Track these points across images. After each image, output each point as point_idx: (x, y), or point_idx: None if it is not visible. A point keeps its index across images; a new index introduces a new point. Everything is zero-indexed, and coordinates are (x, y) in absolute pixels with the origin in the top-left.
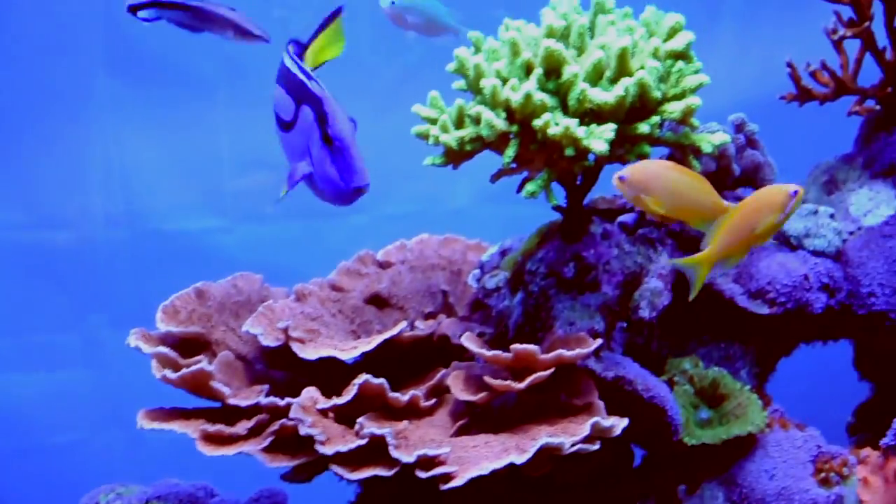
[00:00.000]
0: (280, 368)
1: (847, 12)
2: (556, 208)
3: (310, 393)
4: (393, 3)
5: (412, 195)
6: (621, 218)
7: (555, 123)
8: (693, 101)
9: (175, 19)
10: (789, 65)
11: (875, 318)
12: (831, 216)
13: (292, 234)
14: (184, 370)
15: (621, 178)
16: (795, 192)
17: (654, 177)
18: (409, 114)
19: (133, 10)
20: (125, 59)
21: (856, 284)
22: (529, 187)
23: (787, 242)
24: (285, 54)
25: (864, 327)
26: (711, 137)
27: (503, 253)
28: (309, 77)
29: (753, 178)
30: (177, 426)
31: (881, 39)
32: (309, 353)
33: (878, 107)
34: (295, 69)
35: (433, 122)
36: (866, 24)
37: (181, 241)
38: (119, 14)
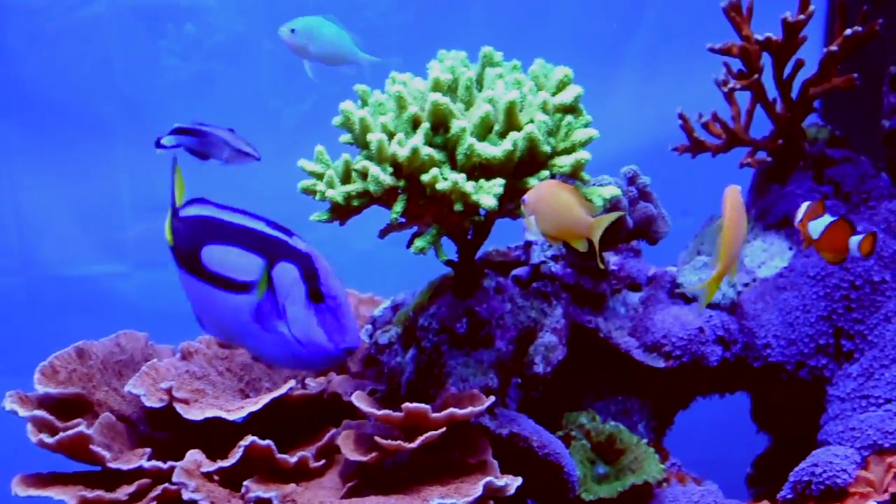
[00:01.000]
0: (165, 430)
1: (737, 64)
2: (448, 263)
3: (194, 456)
4: (293, 31)
5: (315, 238)
6: (515, 271)
7: (443, 178)
8: (582, 155)
9: (190, 145)
10: (681, 116)
11: (771, 370)
12: None
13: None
14: (61, 434)
15: (523, 201)
16: None
17: (541, 198)
18: (312, 156)
19: (159, 144)
20: (16, 102)
21: (751, 336)
22: (418, 243)
23: (682, 295)
24: (227, 213)
25: (760, 379)
26: (602, 191)
27: (395, 308)
28: (289, 233)
29: (647, 231)
30: (54, 492)
31: (771, 91)
32: (194, 414)
33: (769, 158)
34: (261, 226)
35: (319, 177)
36: (756, 76)
37: (79, 287)
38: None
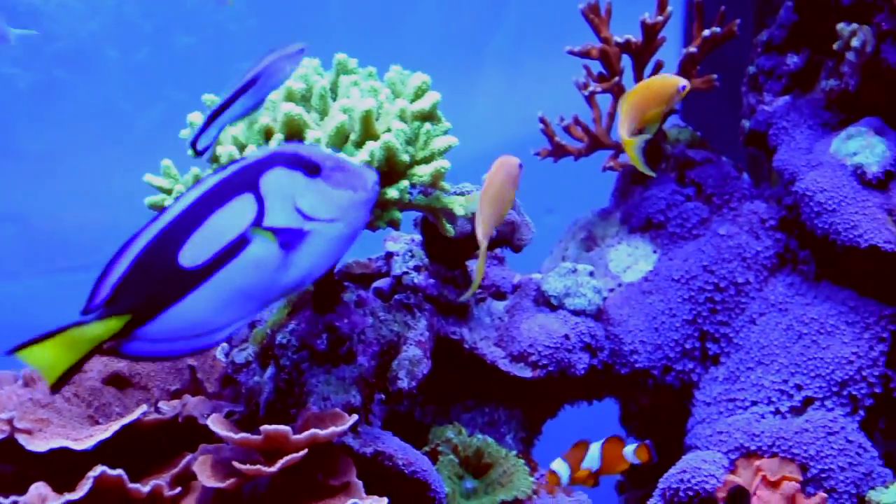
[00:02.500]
0: (8, 462)
1: (598, 66)
2: None
3: (38, 489)
4: None
5: None
6: (377, 283)
7: None
8: (442, 163)
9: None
10: (542, 120)
11: (639, 376)
12: (591, 274)
13: (45, 289)
14: None
15: None
16: (684, 87)
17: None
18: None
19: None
20: None
21: (618, 343)
22: None
23: (547, 303)
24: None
25: (628, 385)
26: (463, 199)
27: (252, 325)
28: (225, 166)
29: (510, 239)
30: None
31: None
32: (38, 445)
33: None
34: (202, 187)
35: (167, 192)
36: (616, 78)
37: None
38: None
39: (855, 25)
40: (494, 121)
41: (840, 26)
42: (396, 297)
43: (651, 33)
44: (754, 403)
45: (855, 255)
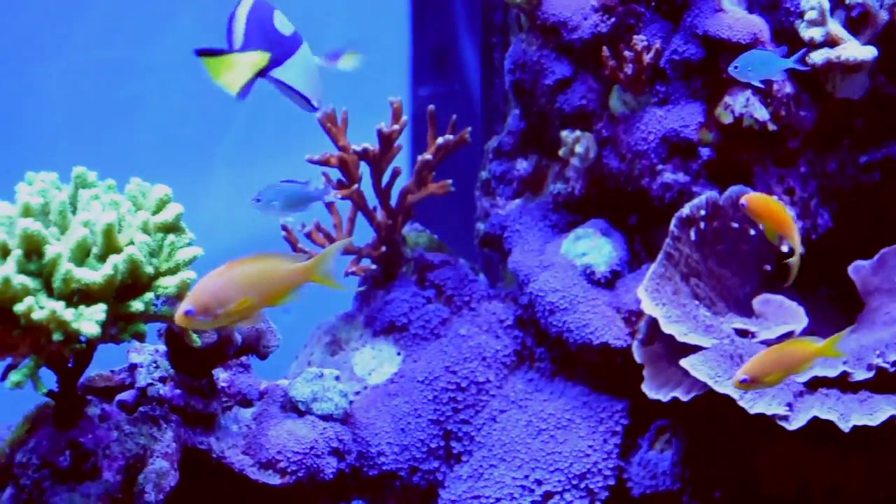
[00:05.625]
0: None
1: (337, 173)
2: (49, 394)
3: None
4: None
5: None
6: (120, 396)
7: (39, 307)
8: (188, 274)
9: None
10: (284, 227)
11: (386, 477)
12: (337, 378)
13: None
14: None
15: (187, 314)
16: None
17: (218, 290)
18: None
19: None
20: None
21: (365, 445)
22: (14, 377)
23: (295, 409)
24: None
25: (376, 487)
26: None
27: None
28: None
29: (256, 346)
30: None
31: (371, 198)
32: None
33: (374, 266)
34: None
35: None
36: (355, 185)
37: None
38: None
39: (578, 132)
40: (227, 221)
41: (564, 133)
42: (142, 409)
43: (388, 141)
44: (498, 500)
45: (588, 351)
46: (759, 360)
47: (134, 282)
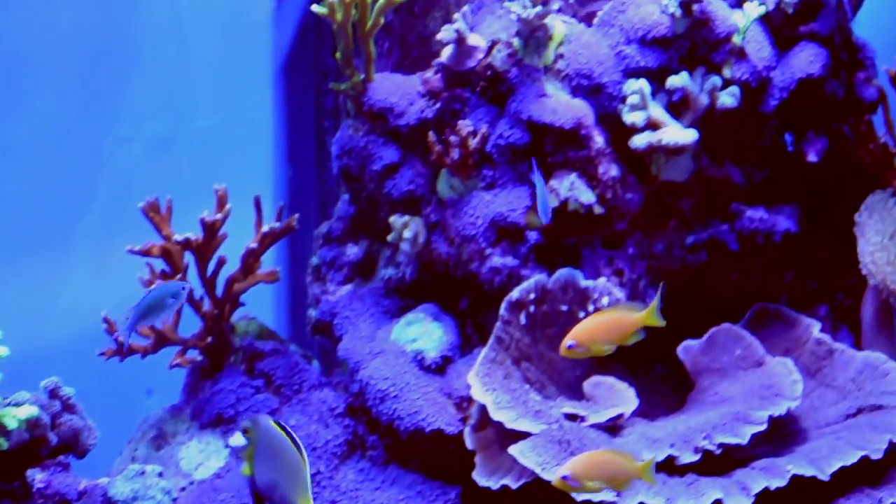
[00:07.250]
0: None
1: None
2: None
3: None
4: None
5: None
6: None
7: None
8: None
9: None
10: (106, 321)
11: None
12: (160, 475)
13: None
14: None
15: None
16: None
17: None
18: None
19: None
20: None
21: None
22: None
23: None
24: None
25: None
26: (17, 411)
27: None
28: None
29: (74, 445)
30: None
31: (198, 289)
32: None
33: (200, 357)
34: None
35: None
36: (180, 275)
37: None
38: None
39: (407, 217)
40: (91, 301)
41: (393, 218)
42: None
43: (212, 230)
44: None
45: (420, 439)
46: (580, 460)
47: None
